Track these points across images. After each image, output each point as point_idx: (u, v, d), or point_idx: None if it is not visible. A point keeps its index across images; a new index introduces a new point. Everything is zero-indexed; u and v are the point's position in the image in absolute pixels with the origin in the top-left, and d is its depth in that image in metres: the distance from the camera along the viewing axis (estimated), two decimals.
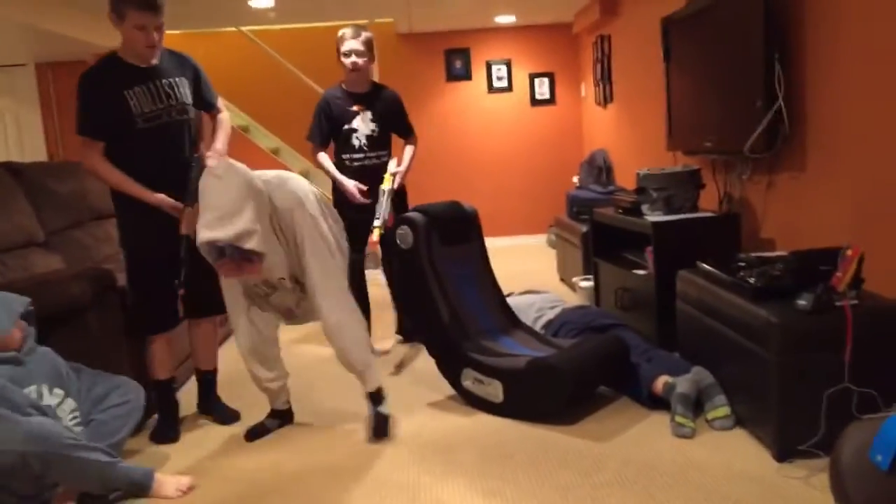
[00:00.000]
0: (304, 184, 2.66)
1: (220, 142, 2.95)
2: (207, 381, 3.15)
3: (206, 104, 3.02)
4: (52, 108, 6.66)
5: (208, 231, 2.32)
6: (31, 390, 2.27)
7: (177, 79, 2.84)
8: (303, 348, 4.17)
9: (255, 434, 2.88)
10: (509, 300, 3.54)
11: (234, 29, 6.51)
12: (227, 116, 3.10)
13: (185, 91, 2.85)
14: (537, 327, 3.49)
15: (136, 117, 2.71)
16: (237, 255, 2.38)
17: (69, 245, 3.81)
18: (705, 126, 3.77)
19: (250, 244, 2.33)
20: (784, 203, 3.33)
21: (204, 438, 2.92)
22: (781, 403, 2.34)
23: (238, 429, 2.98)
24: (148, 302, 2.84)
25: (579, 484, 2.32)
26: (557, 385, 2.77)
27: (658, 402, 2.85)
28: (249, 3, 5.33)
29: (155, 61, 2.81)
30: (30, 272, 3.21)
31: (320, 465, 2.59)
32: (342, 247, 2.74)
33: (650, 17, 4.87)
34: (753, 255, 2.85)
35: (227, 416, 3.09)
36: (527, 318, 3.56)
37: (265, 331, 2.81)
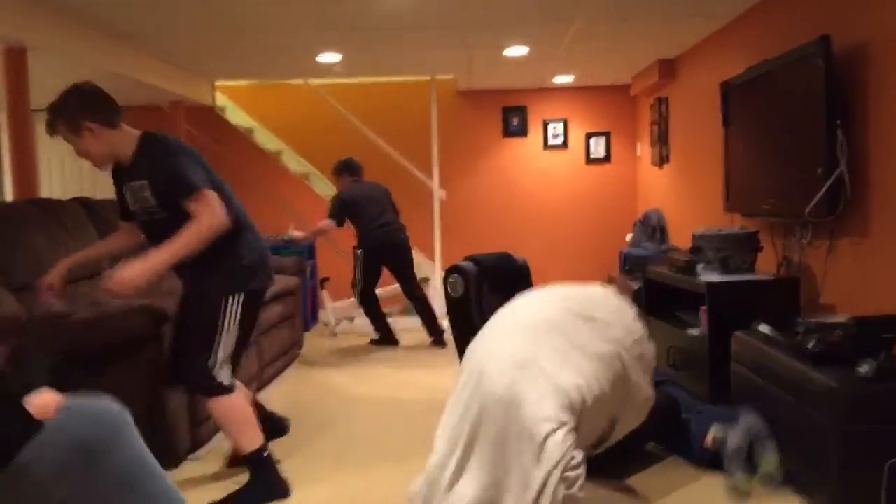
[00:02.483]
0: None
1: (145, 259, 2.41)
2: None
3: (177, 204, 2.53)
4: None
5: None
6: None
7: (137, 182, 2.57)
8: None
9: None
10: None
11: (301, 81, 6.78)
12: (199, 223, 2.46)
13: (146, 195, 2.57)
14: None
15: (133, 212, 2.69)
16: None
17: None
18: (764, 189, 3.75)
19: None
20: (845, 268, 3.26)
21: None
22: (840, 472, 2.25)
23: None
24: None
25: None
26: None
27: (710, 459, 2.77)
28: (317, 58, 5.57)
29: (124, 163, 2.63)
30: (96, 303, 3.35)
31: None
32: None
33: (709, 81, 4.91)
34: (812, 319, 2.79)
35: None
36: None
37: None
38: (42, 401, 1.68)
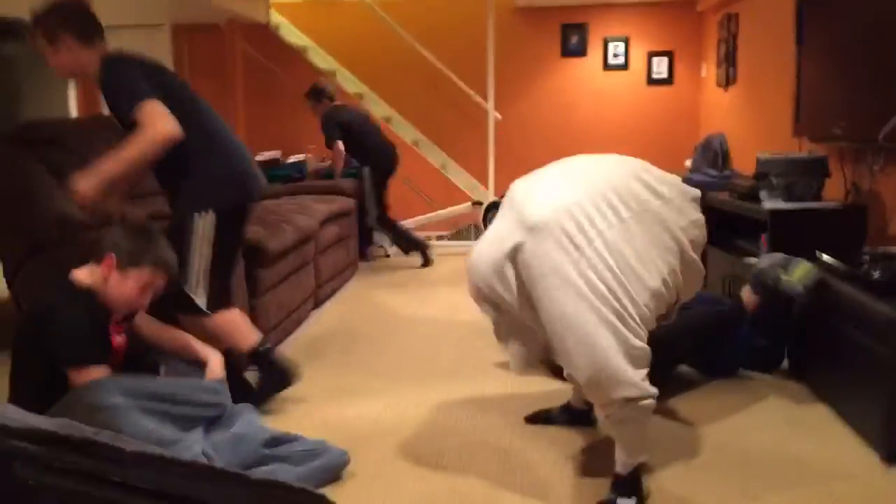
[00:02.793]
0: None
1: (98, 167, 2.42)
2: None
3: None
4: (184, 67, 7.05)
5: None
6: None
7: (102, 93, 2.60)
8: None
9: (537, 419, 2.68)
10: None
11: None
12: (140, 132, 2.41)
13: (114, 117, 2.62)
14: None
15: None
16: None
17: None
18: (836, 112, 3.57)
19: None
20: None
21: None
22: (893, 404, 2.22)
23: None
24: None
25: (672, 464, 2.30)
26: (656, 351, 2.70)
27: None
28: None
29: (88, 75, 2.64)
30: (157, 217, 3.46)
31: (420, 422, 2.69)
32: None
33: None
34: (880, 249, 2.70)
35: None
36: None
37: None
38: None
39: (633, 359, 1.95)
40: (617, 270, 1.97)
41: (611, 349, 1.91)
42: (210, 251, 2.64)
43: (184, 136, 2.47)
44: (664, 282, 2.04)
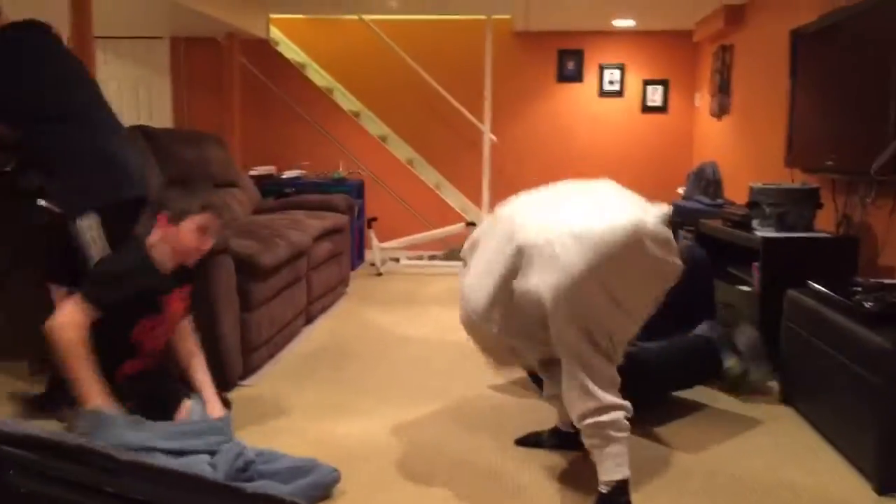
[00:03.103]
0: None
1: None
2: None
3: None
4: (182, 79, 7.06)
5: None
6: None
7: None
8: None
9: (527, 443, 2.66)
10: None
11: (356, 17, 6.71)
12: None
13: None
14: None
15: None
16: None
17: None
18: (829, 144, 3.61)
19: None
20: None
21: None
22: (886, 434, 2.23)
23: None
24: None
25: (665, 491, 2.29)
26: (643, 379, 2.69)
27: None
28: None
29: None
30: None
31: (410, 441, 2.66)
32: None
33: (778, 29, 4.70)
34: (871, 280, 2.72)
35: None
36: None
37: None
38: None
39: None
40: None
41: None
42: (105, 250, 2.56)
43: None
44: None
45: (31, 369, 3.24)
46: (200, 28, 6.16)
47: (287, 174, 6.28)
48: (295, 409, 2.94)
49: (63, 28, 6.73)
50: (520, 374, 3.24)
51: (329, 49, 7.09)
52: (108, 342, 2.33)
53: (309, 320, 4.27)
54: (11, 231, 3.15)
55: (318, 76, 7.04)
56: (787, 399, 3.04)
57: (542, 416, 2.85)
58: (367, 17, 6.70)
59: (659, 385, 2.79)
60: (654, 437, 2.69)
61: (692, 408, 2.99)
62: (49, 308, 2.38)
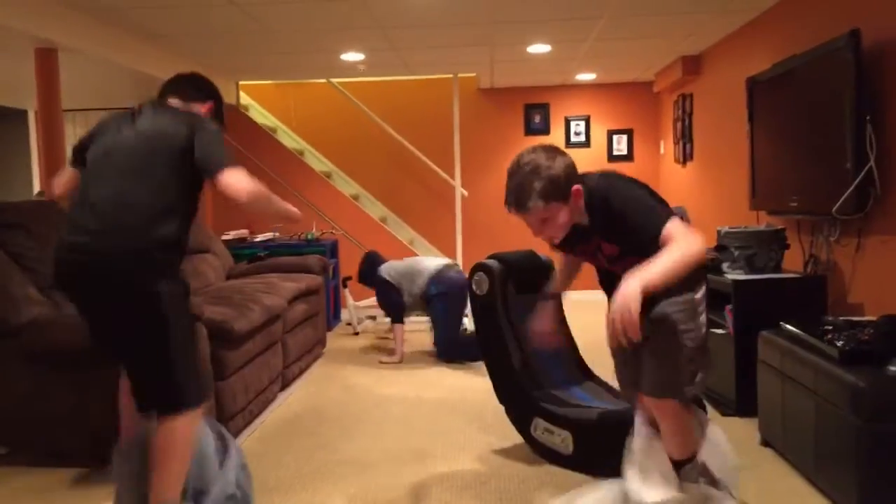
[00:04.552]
0: None
1: None
2: None
3: None
4: None
5: None
6: None
7: None
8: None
9: None
10: None
11: (324, 80, 6.82)
12: None
13: None
14: None
15: None
16: None
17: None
18: (791, 186, 3.70)
19: None
20: (874, 266, 3.22)
21: None
22: (867, 472, 2.23)
23: None
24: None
25: None
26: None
27: None
28: (341, 56, 5.59)
29: None
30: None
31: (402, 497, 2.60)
32: None
33: (734, 78, 4.86)
34: (841, 318, 2.76)
35: None
36: None
37: None
38: None
39: None
40: None
41: None
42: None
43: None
44: None
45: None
46: None
47: (260, 237, 6.26)
48: (272, 480, 2.87)
49: (31, 101, 6.78)
50: (506, 441, 3.20)
51: (298, 112, 7.17)
52: None
53: (285, 385, 4.20)
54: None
55: (289, 139, 7.10)
56: (766, 441, 3.04)
57: (528, 475, 2.81)
58: (335, 80, 6.81)
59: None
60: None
61: None
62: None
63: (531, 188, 2.05)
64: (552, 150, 2.13)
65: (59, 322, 3.02)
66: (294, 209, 2.47)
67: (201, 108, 2.49)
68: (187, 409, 2.19)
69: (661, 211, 2.05)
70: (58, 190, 2.48)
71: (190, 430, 2.20)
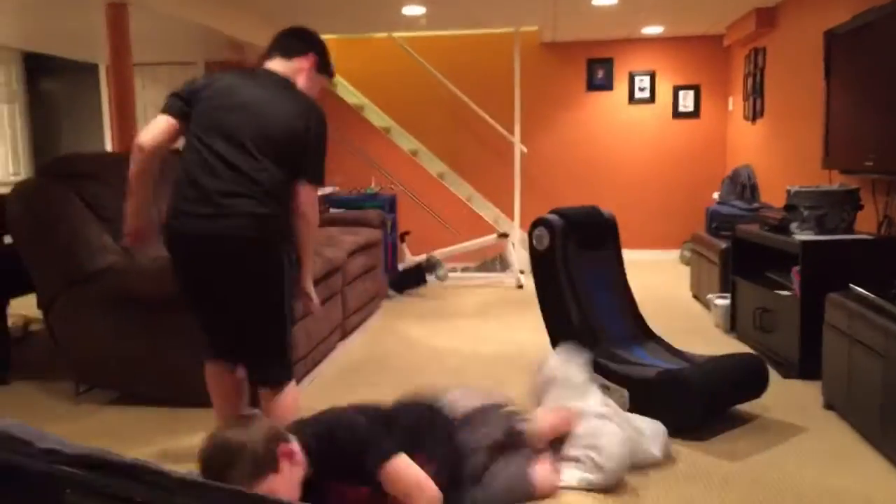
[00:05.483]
0: None
1: None
2: None
3: None
4: None
5: None
6: None
7: None
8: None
9: None
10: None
11: (385, 35, 6.79)
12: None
13: None
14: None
15: None
16: None
17: None
18: (867, 145, 3.55)
19: None
20: None
21: None
22: None
23: None
24: None
25: (704, 499, 2.26)
26: (688, 399, 2.70)
27: None
28: (403, 10, 5.55)
29: None
30: None
31: None
32: None
33: (811, 31, 4.64)
34: None
35: None
36: None
37: None
38: None
39: None
40: None
41: None
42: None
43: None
44: None
45: (76, 391, 3.32)
46: (232, 52, 6.29)
47: (320, 191, 6.36)
48: None
49: (102, 56, 6.98)
50: None
51: (359, 67, 7.18)
52: None
53: (345, 335, 4.31)
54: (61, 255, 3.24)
55: (350, 94, 7.13)
56: (830, 404, 2.98)
57: None
58: (396, 35, 6.78)
59: (703, 404, 2.75)
60: (696, 448, 2.66)
61: (734, 417, 2.95)
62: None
63: None
64: None
65: (133, 270, 3.16)
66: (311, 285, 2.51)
67: (304, 63, 2.46)
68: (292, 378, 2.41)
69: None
70: (151, 142, 2.27)
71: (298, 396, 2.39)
